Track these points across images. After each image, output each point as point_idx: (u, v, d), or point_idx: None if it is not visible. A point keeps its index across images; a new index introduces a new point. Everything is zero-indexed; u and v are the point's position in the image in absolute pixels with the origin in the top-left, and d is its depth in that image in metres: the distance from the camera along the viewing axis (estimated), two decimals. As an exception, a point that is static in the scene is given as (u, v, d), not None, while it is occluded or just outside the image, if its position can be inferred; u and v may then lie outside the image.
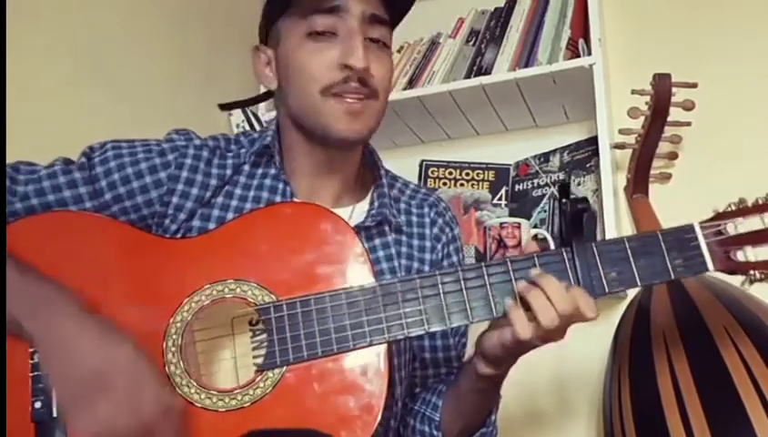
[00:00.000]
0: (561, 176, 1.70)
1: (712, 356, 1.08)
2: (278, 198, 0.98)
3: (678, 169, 1.61)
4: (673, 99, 1.44)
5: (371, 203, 1.02)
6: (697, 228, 0.83)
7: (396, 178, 1.12)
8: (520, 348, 0.83)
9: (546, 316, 0.79)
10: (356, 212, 1.02)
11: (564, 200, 0.84)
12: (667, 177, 1.61)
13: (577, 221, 0.83)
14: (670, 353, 1.13)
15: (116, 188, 0.94)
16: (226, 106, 1.11)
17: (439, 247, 1.07)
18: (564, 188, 0.87)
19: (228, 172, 0.99)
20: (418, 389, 1.06)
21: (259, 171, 1.00)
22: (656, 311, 1.24)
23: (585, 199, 0.84)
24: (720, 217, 0.84)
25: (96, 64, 1.41)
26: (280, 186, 0.99)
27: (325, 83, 0.92)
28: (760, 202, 0.82)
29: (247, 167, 1.00)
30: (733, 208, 0.84)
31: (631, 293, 1.44)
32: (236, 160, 1.00)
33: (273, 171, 1.00)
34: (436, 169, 1.83)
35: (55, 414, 0.80)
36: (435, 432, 0.98)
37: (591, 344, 1.50)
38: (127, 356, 0.75)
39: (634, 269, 0.82)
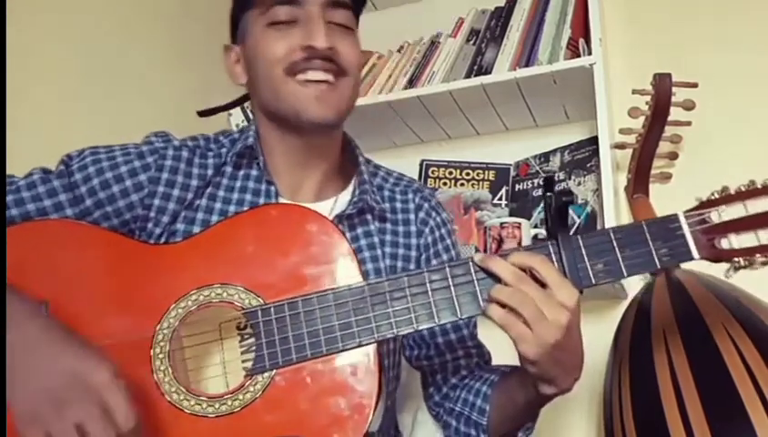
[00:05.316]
0: (562, 176, 1.70)
1: (711, 354, 1.09)
2: (262, 201, 0.97)
3: (678, 169, 1.61)
4: (673, 99, 1.44)
5: (353, 192, 1.02)
6: (681, 218, 0.83)
7: (378, 167, 1.12)
8: (546, 356, 0.79)
9: (506, 295, 0.77)
10: (338, 203, 1.02)
11: (549, 194, 0.84)
12: (667, 177, 1.61)
13: (562, 214, 0.82)
14: (669, 351, 1.14)
15: (96, 194, 0.92)
16: (205, 113, 1.09)
17: (427, 230, 1.06)
18: (549, 181, 0.87)
19: (210, 172, 0.98)
20: (439, 376, 1.05)
21: (241, 172, 0.99)
22: (656, 310, 1.24)
23: (570, 192, 0.84)
24: (703, 205, 0.84)
25: (95, 65, 1.41)
26: (263, 187, 0.98)
27: (287, 63, 0.92)
28: (742, 189, 0.82)
29: (228, 169, 0.99)
30: (716, 196, 0.84)
31: (632, 293, 1.44)
32: (217, 160, 0.99)
33: (255, 172, 0.99)
34: (436, 169, 1.83)
35: None
36: (483, 436, 0.97)
37: (591, 343, 1.48)
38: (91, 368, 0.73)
39: (620, 261, 0.81)
